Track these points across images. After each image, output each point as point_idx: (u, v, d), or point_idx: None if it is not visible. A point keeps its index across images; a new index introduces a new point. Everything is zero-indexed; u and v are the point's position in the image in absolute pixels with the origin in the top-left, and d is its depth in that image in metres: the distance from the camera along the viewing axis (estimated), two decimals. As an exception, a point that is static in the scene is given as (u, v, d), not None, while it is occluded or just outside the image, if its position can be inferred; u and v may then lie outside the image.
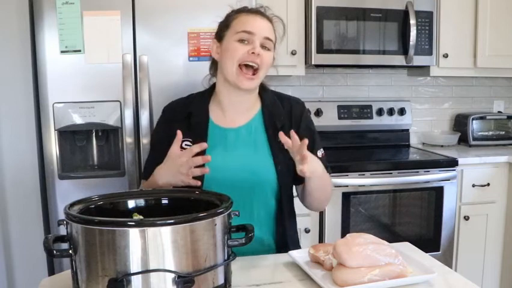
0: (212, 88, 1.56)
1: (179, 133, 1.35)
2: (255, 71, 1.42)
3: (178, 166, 1.33)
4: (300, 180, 1.46)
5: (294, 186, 1.57)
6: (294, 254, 1.31)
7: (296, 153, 1.28)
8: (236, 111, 1.51)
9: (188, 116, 1.50)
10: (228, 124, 1.50)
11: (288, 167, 1.45)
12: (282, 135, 1.29)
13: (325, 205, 1.60)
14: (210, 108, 1.53)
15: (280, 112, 1.52)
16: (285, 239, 1.51)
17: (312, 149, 1.46)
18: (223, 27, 1.48)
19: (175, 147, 1.35)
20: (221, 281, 1.07)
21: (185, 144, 1.45)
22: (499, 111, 3.45)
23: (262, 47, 1.43)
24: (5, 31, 2.05)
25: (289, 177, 1.48)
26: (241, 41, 1.42)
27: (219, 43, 1.48)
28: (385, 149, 3.14)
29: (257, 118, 1.52)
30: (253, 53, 1.40)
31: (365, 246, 1.16)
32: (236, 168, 1.45)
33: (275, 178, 1.46)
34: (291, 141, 1.27)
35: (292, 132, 1.27)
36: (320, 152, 1.53)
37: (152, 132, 1.82)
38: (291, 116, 1.53)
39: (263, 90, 1.56)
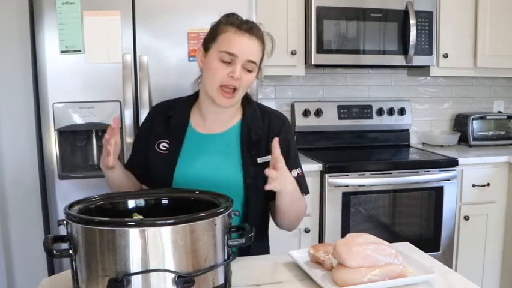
0: (197, 93, 1.56)
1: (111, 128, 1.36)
2: (234, 90, 1.41)
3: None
4: (272, 196, 1.44)
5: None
6: (294, 254, 1.31)
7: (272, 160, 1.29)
8: (215, 120, 1.51)
9: (168, 118, 1.52)
10: (206, 131, 1.51)
11: (258, 182, 1.40)
12: (275, 141, 1.29)
13: (296, 226, 1.54)
14: (192, 113, 1.54)
15: (259, 126, 1.50)
16: (249, 253, 1.45)
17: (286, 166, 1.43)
18: (210, 38, 1.44)
19: (106, 136, 1.37)
20: (221, 281, 1.07)
21: (163, 146, 1.50)
22: (499, 111, 3.45)
23: (244, 68, 1.41)
24: (5, 31, 2.05)
25: (259, 193, 1.44)
26: (223, 61, 1.40)
27: (205, 52, 1.45)
28: (385, 149, 3.14)
29: (235, 129, 1.51)
30: (232, 76, 1.39)
31: (365, 246, 1.16)
32: (203, 174, 1.44)
33: (242, 191, 1.44)
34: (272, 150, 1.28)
35: (275, 141, 1.28)
36: (296, 172, 1.49)
37: (137, 131, 1.85)
38: (269, 130, 1.51)
39: (247, 102, 1.55)
